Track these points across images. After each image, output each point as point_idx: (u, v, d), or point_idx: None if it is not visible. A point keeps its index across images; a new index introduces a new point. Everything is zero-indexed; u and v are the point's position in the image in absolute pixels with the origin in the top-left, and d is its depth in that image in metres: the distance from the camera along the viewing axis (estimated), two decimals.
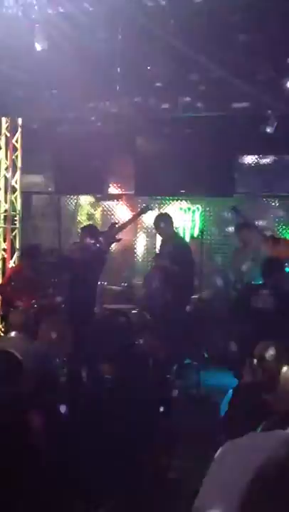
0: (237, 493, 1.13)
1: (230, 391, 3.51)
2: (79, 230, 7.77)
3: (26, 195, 9.51)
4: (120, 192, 9.48)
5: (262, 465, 1.13)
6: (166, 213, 7.76)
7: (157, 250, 7.86)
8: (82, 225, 8.54)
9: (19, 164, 8.81)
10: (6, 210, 8.66)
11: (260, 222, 8.61)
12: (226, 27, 5.60)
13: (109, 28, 5.87)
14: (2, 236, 8.64)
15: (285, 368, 2.70)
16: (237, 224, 7.72)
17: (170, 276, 6.98)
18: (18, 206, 8.87)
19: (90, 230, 7.43)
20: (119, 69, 6.21)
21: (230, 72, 6.25)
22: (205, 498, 1.27)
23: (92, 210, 9.80)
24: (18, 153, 8.76)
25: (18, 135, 8.71)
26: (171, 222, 7.30)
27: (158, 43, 6.29)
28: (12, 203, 8.73)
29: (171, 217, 7.40)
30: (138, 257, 9.51)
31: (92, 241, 7.20)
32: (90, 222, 9.18)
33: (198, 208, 8.99)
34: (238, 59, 6.05)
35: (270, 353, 3.21)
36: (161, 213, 7.83)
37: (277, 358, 3.15)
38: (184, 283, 6.96)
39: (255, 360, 3.27)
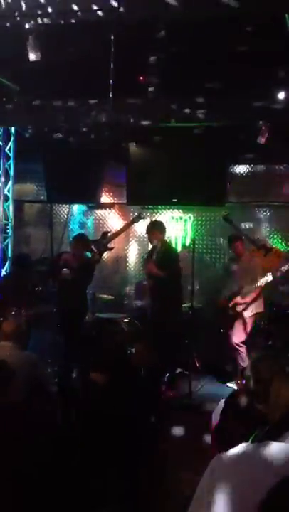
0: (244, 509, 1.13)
1: (222, 401, 3.51)
2: (71, 239, 7.77)
3: (18, 204, 9.51)
4: (112, 201, 9.50)
5: (275, 486, 1.12)
6: (159, 221, 7.77)
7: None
8: (74, 234, 8.54)
9: (12, 173, 8.82)
10: None
11: (250, 226, 8.67)
12: (219, 38, 5.65)
13: (102, 37, 5.90)
14: None
15: (276, 378, 2.70)
16: (229, 236, 7.74)
17: (158, 284, 6.97)
18: (11, 215, 8.86)
19: (81, 238, 7.42)
20: (112, 78, 6.24)
21: (223, 83, 6.31)
22: (197, 508, 1.27)
23: (84, 219, 9.81)
24: (11, 161, 8.77)
25: (10, 144, 8.73)
26: (163, 230, 7.31)
27: (151, 53, 6.33)
28: (4, 212, 8.72)
29: (163, 225, 7.42)
30: (130, 266, 9.52)
31: (83, 249, 7.20)
32: (82, 231, 9.18)
33: (190, 217, 9.02)
34: (231, 70, 6.10)
35: (263, 363, 3.21)
36: (155, 220, 7.84)
37: (269, 369, 3.15)
38: (171, 291, 6.93)
39: (248, 370, 3.27)
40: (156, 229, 7.29)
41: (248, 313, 7.25)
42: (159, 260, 7.02)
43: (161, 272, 6.88)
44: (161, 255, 7.07)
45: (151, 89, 6.69)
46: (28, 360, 4.44)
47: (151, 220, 7.83)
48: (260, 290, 7.18)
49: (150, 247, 7.51)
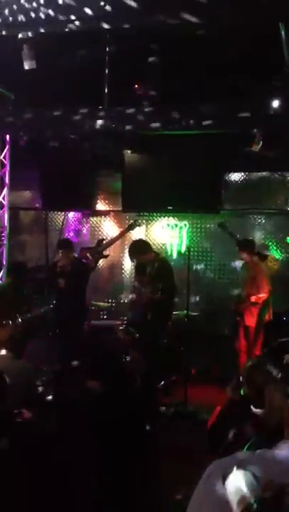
0: None
1: (218, 408, 3.51)
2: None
3: (14, 211, 9.51)
4: (108, 208, 9.51)
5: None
6: (137, 242, 7.52)
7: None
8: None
9: (7, 180, 8.82)
10: None
11: (245, 234, 8.68)
12: (213, 47, 5.69)
13: (97, 45, 5.94)
14: None
15: (269, 383, 2.72)
16: (237, 245, 7.75)
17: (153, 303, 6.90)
18: (6, 222, 8.86)
19: (64, 244, 7.39)
20: (106, 87, 6.28)
21: (218, 91, 6.35)
22: None
23: (79, 226, 9.81)
24: (6, 169, 8.77)
25: (5, 151, 8.74)
26: (147, 250, 7.11)
27: (146, 61, 6.37)
28: None
29: (143, 245, 7.22)
30: (125, 273, 9.52)
31: (70, 254, 7.18)
32: (77, 239, 9.18)
33: (185, 224, 9.04)
34: (224, 78, 6.15)
35: (256, 369, 3.23)
36: (132, 244, 7.48)
37: (262, 374, 3.16)
38: (164, 304, 6.87)
39: (241, 377, 3.28)
40: (139, 254, 7.06)
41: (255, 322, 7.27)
42: (153, 277, 6.92)
43: (159, 296, 6.73)
44: (154, 273, 6.95)
45: (145, 97, 6.72)
46: (23, 369, 4.43)
47: (130, 244, 7.48)
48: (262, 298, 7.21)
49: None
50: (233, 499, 1.12)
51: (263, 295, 7.16)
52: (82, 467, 3.18)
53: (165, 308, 6.90)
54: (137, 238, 8.14)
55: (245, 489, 1.13)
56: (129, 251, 7.22)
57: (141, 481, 3.53)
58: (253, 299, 7.12)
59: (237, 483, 1.14)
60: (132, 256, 7.18)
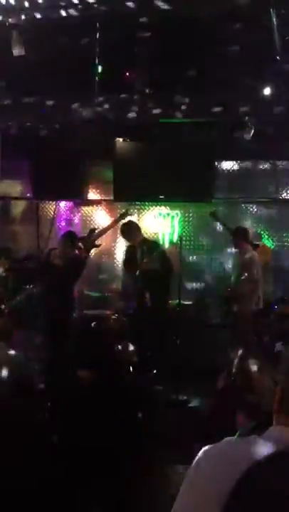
0: (215, 506, 1.13)
1: (211, 397, 3.53)
2: (58, 236, 7.73)
3: (4, 201, 9.45)
4: (99, 197, 9.47)
5: (241, 477, 1.12)
6: (129, 223, 7.76)
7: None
8: (61, 231, 8.50)
9: None
10: None
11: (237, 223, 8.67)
12: (204, 35, 5.65)
13: (87, 32, 5.88)
14: None
15: (255, 367, 2.77)
16: (231, 232, 7.75)
17: (150, 277, 6.94)
18: None
19: (70, 236, 7.40)
20: (97, 74, 6.23)
21: (210, 80, 6.31)
22: (181, 507, 1.26)
23: (71, 216, 9.77)
24: None
25: None
26: (138, 229, 7.34)
27: (137, 49, 6.32)
28: None
29: (133, 226, 7.46)
30: (118, 263, 9.50)
31: (72, 247, 7.19)
32: (69, 228, 9.14)
33: (177, 213, 9.02)
34: (216, 66, 6.11)
35: (248, 357, 3.24)
36: (124, 225, 7.72)
37: (253, 362, 3.18)
38: (163, 283, 6.94)
39: (232, 365, 3.30)
40: (132, 232, 7.29)
41: (248, 310, 7.27)
42: (147, 254, 6.99)
43: (156, 265, 6.85)
44: (146, 251, 7.02)
45: (137, 85, 6.67)
46: (16, 360, 4.41)
47: (122, 224, 7.71)
48: (251, 286, 7.20)
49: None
50: None
51: (253, 282, 7.16)
52: (73, 456, 3.18)
53: (165, 294, 6.95)
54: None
55: None
56: (122, 230, 7.42)
57: (132, 470, 3.54)
58: (242, 287, 7.12)
59: None
60: (125, 235, 7.29)
